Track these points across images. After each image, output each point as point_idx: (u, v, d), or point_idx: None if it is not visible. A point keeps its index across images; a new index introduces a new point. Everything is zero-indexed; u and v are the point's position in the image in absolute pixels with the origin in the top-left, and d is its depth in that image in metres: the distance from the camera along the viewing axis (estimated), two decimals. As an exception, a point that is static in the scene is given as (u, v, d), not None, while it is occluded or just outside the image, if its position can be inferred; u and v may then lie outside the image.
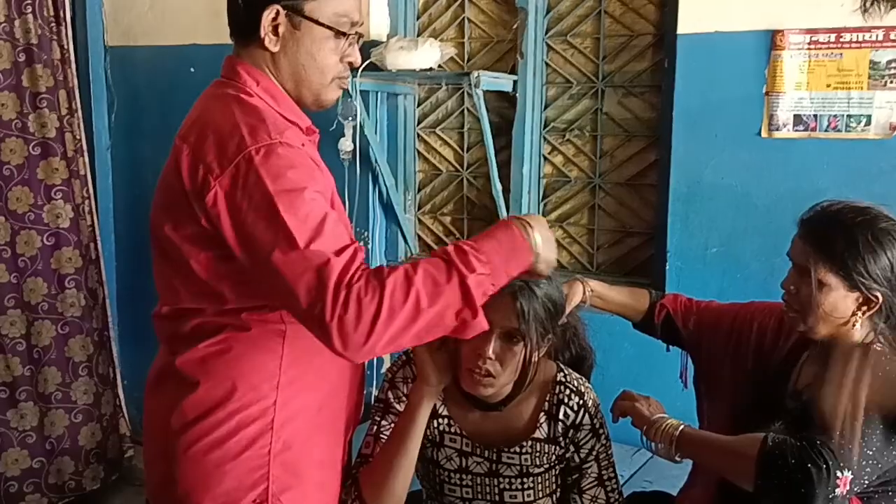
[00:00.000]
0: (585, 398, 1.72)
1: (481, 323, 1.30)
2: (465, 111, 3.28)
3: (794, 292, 1.64)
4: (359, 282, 1.23)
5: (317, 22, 1.43)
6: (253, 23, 1.42)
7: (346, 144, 3.01)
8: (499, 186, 3.03)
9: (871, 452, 1.46)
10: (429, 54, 2.93)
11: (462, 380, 1.63)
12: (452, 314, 1.27)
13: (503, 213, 3.08)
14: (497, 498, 1.73)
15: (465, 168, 3.31)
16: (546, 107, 3.11)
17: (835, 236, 1.58)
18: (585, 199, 3.10)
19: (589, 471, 1.72)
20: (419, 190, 3.42)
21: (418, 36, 3.22)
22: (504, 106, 3.16)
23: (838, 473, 1.41)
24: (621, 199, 3.03)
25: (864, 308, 1.58)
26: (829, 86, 2.47)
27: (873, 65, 2.41)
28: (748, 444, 1.49)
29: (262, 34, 1.42)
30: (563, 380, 1.73)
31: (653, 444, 1.66)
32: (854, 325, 1.60)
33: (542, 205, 3.16)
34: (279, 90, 1.46)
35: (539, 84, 3.09)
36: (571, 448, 1.71)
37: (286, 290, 1.25)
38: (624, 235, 3.05)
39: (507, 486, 1.72)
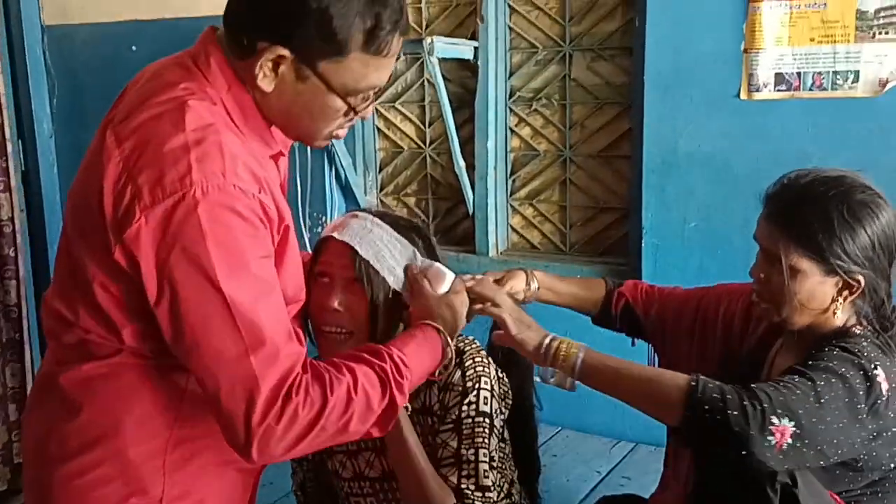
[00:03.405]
0: (464, 356, 1.48)
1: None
2: (426, 83, 3.05)
3: (764, 280, 1.43)
4: (298, 394, 1.10)
5: (328, 85, 1.14)
6: (249, 47, 1.13)
7: (293, 123, 2.79)
8: (462, 163, 2.82)
9: (830, 419, 1.29)
10: (380, 21, 2.70)
11: (319, 348, 1.47)
12: (364, 431, 1.21)
13: (468, 193, 2.88)
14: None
15: (427, 144, 3.09)
16: (511, 75, 2.89)
17: (805, 215, 1.37)
18: (556, 173, 2.89)
19: (447, 441, 1.46)
20: (380, 170, 3.20)
21: (372, 3, 2.99)
22: (466, 76, 2.95)
23: (774, 419, 1.25)
24: (593, 172, 2.82)
25: (846, 293, 1.38)
26: (812, 40, 2.25)
27: (860, 14, 2.19)
28: (674, 374, 1.34)
29: (256, 70, 1.13)
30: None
31: (544, 369, 1.44)
32: (835, 313, 1.40)
33: (510, 181, 2.94)
34: (252, 109, 1.19)
35: (502, 50, 2.86)
36: (442, 413, 1.47)
37: (208, 379, 1.09)
38: (597, 212, 2.84)
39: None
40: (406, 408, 1.45)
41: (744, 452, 1.25)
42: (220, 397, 1.09)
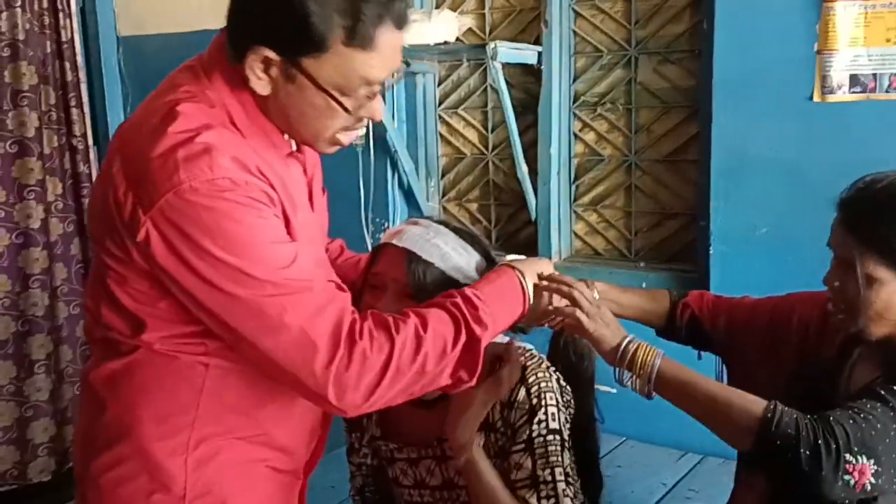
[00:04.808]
0: (526, 372, 1.44)
1: (472, 383, 1.22)
2: (489, 88, 3.04)
3: (838, 289, 1.38)
4: (363, 338, 1.12)
5: (314, 83, 1.14)
6: (240, 51, 1.13)
7: (357, 129, 2.81)
8: (524, 169, 2.80)
9: None
10: (444, 26, 2.72)
11: None
12: (449, 374, 1.19)
13: (530, 198, 2.86)
14: None
15: (490, 150, 3.08)
16: (575, 79, 2.85)
17: (881, 221, 1.32)
18: (621, 178, 2.84)
19: (521, 462, 1.43)
20: (442, 175, 3.20)
21: (436, 9, 2.99)
22: (530, 81, 2.93)
23: (849, 457, 1.21)
24: (660, 177, 2.76)
25: None
26: (888, 40, 2.17)
27: (940, 14, 2.11)
28: (751, 399, 1.29)
29: (248, 73, 1.14)
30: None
31: (619, 370, 1.39)
32: None
33: (573, 187, 2.91)
34: (256, 111, 1.19)
35: (566, 55, 2.83)
36: (509, 433, 1.45)
37: (261, 357, 1.12)
38: (664, 218, 2.78)
39: (468, 499, 1.50)
40: (477, 443, 1.43)
41: (814, 491, 1.22)
42: (280, 367, 1.10)
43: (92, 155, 3.25)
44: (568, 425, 1.49)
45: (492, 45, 2.55)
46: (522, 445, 1.42)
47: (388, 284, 1.42)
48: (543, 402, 1.43)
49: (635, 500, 2.28)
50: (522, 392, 1.43)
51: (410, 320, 1.16)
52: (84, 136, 3.24)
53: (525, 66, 2.86)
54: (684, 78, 2.67)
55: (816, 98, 2.28)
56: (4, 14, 2.97)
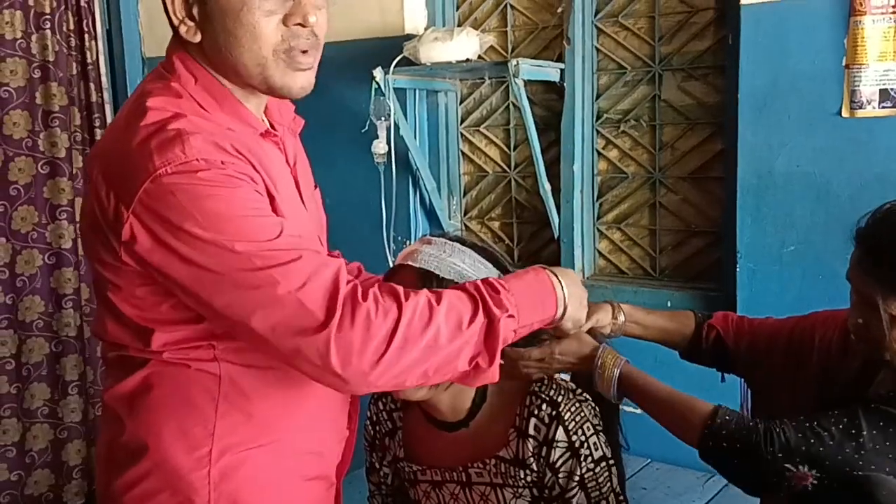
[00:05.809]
0: (561, 409, 1.40)
1: (494, 373, 1.15)
2: (511, 106, 3.03)
3: (862, 325, 1.35)
4: (367, 299, 1.06)
5: None
6: (169, 16, 1.18)
7: (379, 147, 2.81)
8: (547, 187, 2.77)
9: (876, 466, 1.25)
10: (466, 44, 2.70)
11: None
12: (468, 358, 1.13)
13: (553, 216, 2.83)
14: None
15: (512, 168, 3.06)
16: (598, 97, 2.83)
17: None
18: (645, 196, 2.81)
19: (574, 501, 1.40)
20: (465, 193, 3.18)
21: (458, 27, 2.99)
22: (552, 98, 2.91)
23: (790, 467, 1.25)
24: (685, 195, 2.72)
25: None
26: (919, 54, 2.12)
27: (973, 26, 2.06)
28: (697, 406, 1.39)
29: (175, 22, 1.17)
30: (538, 389, 1.44)
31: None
32: None
33: (597, 205, 2.88)
34: (221, 88, 1.20)
35: (589, 72, 2.82)
36: (548, 472, 1.40)
37: (256, 339, 1.08)
38: (689, 235, 2.74)
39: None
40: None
41: (755, 490, 1.32)
42: (282, 344, 1.06)
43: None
44: (605, 440, 1.46)
45: (514, 62, 2.54)
46: (576, 485, 1.40)
47: None
48: (585, 438, 1.40)
49: (661, 523, 2.23)
50: (561, 431, 1.40)
51: (423, 293, 1.12)
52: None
53: (547, 84, 2.84)
54: (709, 94, 2.64)
55: (845, 113, 2.24)
56: (35, 36, 3.02)
